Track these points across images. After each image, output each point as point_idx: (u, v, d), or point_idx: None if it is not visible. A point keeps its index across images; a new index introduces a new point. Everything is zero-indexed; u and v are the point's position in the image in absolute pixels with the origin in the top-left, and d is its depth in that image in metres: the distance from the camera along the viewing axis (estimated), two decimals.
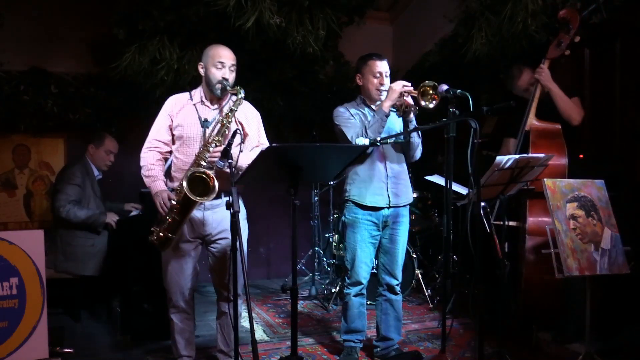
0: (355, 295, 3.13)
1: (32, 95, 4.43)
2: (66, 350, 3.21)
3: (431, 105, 2.75)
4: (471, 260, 2.54)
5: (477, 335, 2.58)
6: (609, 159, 3.67)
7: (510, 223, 3.31)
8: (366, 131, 2.89)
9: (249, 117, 2.89)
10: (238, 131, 2.47)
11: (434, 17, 4.71)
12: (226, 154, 2.43)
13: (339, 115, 3.05)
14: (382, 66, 3.01)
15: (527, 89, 3.51)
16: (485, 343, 2.58)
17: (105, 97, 4.64)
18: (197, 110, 2.78)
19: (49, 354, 2.62)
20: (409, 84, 2.85)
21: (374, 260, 3.23)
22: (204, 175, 2.56)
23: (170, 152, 2.87)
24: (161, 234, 2.65)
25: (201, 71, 2.81)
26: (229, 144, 2.46)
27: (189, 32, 4.06)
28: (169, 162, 2.91)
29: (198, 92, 2.85)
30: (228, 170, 2.45)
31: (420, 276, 4.51)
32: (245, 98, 2.72)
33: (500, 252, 2.96)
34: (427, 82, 2.74)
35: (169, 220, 2.63)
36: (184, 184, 2.50)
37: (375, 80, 3.01)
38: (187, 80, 4.13)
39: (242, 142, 2.85)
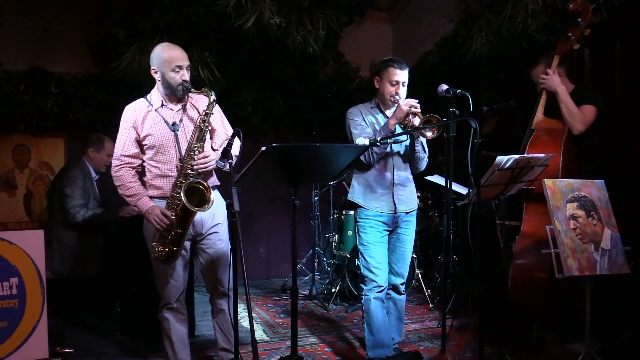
0: (376, 298, 3.02)
1: (32, 95, 4.43)
2: (66, 350, 3.19)
3: (429, 134, 2.81)
4: (471, 260, 2.54)
5: (477, 335, 2.58)
6: (609, 159, 3.67)
7: (512, 223, 3.30)
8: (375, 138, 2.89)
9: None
10: (238, 131, 2.46)
11: (434, 17, 4.71)
12: (226, 154, 2.43)
13: (352, 119, 3.05)
14: (401, 75, 2.99)
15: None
16: (485, 343, 2.58)
17: (105, 97, 4.64)
18: (161, 115, 2.70)
19: (49, 354, 2.61)
20: (417, 105, 2.83)
21: None
22: (200, 186, 2.59)
23: (141, 164, 2.78)
24: (166, 249, 2.63)
25: (156, 76, 2.69)
26: (229, 144, 2.45)
27: (189, 32, 4.06)
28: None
29: (156, 97, 2.74)
30: (228, 169, 2.45)
31: (420, 276, 4.51)
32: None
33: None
34: (433, 114, 2.75)
35: (173, 234, 2.62)
36: (183, 197, 2.51)
37: (392, 88, 2.99)
38: None
39: (211, 137, 2.82)
